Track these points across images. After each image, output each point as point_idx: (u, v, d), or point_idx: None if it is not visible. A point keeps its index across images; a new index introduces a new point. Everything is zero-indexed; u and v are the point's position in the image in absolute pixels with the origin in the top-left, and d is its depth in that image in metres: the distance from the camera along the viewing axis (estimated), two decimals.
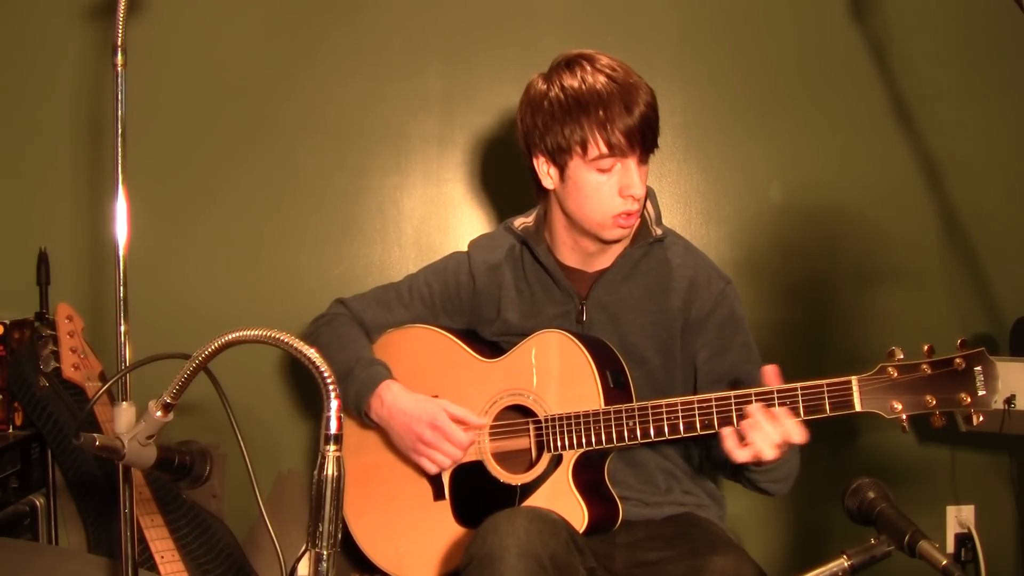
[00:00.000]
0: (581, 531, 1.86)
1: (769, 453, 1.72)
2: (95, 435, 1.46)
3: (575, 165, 1.94)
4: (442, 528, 2.02)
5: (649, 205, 2.07)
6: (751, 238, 2.79)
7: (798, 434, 1.73)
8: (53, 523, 2.44)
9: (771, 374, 1.78)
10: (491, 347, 2.09)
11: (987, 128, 2.82)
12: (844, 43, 2.77)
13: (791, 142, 2.79)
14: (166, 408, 1.47)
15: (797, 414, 1.74)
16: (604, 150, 1.91)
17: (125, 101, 1.91)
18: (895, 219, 2.80)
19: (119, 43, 1.90)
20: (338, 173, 2.70)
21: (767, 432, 1.72)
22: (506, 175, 2.71)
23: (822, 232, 2.79)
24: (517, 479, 1.97)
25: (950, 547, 2.80)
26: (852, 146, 2.80)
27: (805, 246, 2.80)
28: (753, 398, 1.76)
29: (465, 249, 2.20)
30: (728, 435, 1.76)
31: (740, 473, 1.93)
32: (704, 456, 2.10)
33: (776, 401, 1.75)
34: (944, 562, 1.37)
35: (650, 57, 2.72)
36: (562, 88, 1.94)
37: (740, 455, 1.75)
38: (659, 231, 2.05)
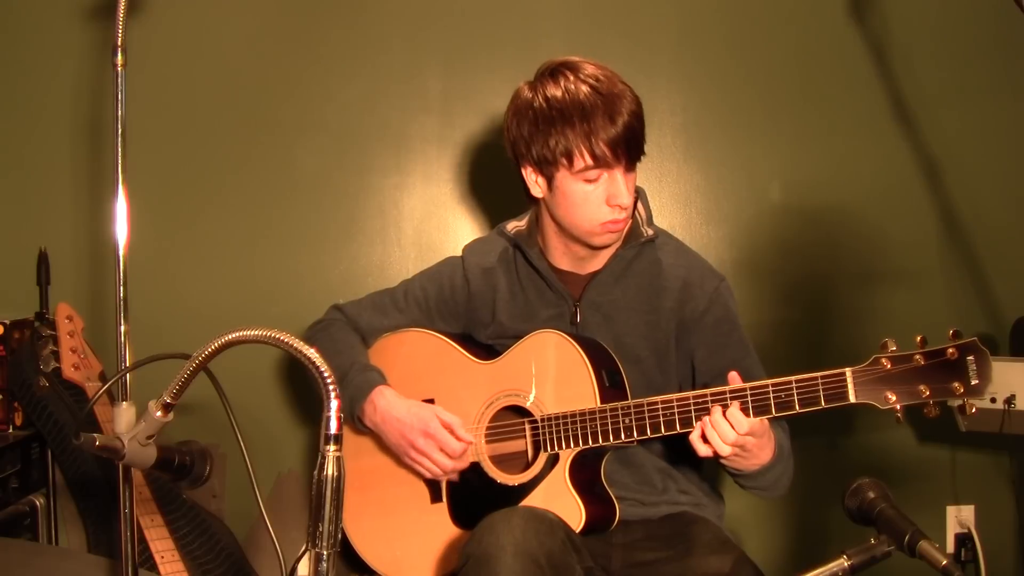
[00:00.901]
0: (578, 530, 1.86)
1: (724, 449, 1.75)
2: (95, 435, 1.46)
3: (561, 176, 1.94)
4: (439, 530, 2.02)
5: (640, 206, 2.07)
6: (751, 238, 2.79)
7: (742, 426, 1.74)
8: (53, 523, 2.44)
9: (735, 380, 1.79)
10: (486, 350, 2.10)
11: (987, 128, 2.82)
12: (844, 43, 2.77)
13: (791, 142, 2.79)
14: (166, 408, 1.47)
15: (793, 408, 1.74)
16: (589, 162, 1.90)
17: (125, 101, 1.91)
18: (895, 219, 2.80)
19: (119, 43, 1.90)
20: (338, 173, 2.70)
21: (721, 430, 1.75)
22: (506, 175, 2.69)
23: (822, 232, 2.80)
24: (514, 479, 1.97)
25: (950, 547, 2.80)
26: (852, 146, 2.80)
27: (805, 246, 2.80)
28: (748, 393, 1.76)
29: (452, 255, 2.21)
30: (694, 437, 1.79)
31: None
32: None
33: (771, 396, 1.75)
34: (944, 562, 1.38)
35: (650, 57, 2.73)
36: (545, 98, 1.93)
37: (701, 450, 1.79)
38: (650, 231, 2.06)
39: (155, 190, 2.57)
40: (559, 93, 1.92)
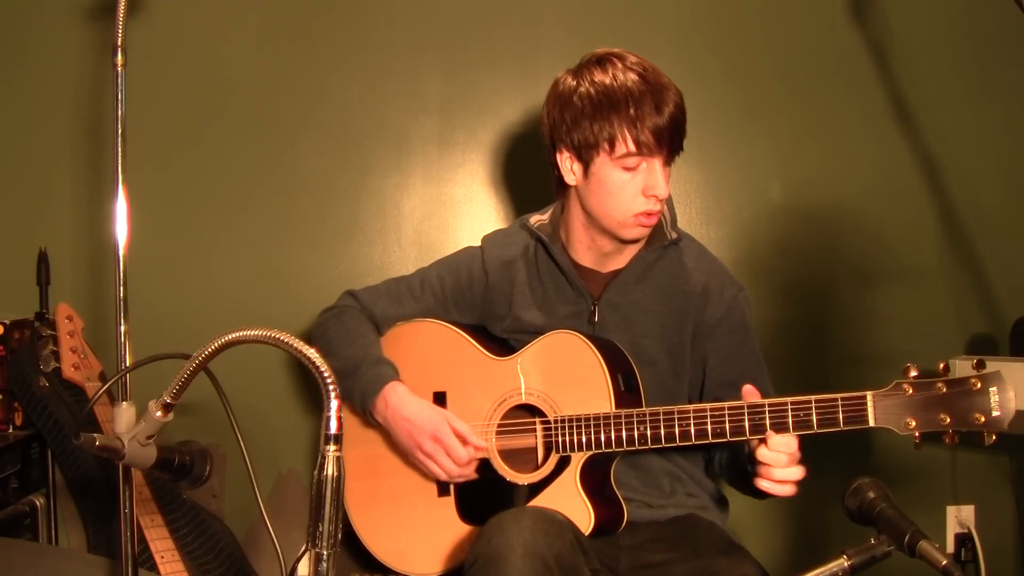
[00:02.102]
0: (587, 533, 1.86)
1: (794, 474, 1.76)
2: (95, 435, 1.46)
3: (601, 162, 1.94)
4: (446, 524, 2.02)
5: (665, 208, 2.06)
6: (751, 238, 2.78)
7: (791, 446, 1.75)
8: (53, 523, 2.44)
9: (750, 393, 1.79)
10: (501, 344, 2.09)
11: (987, 128, 2.82)
12: (844, 43, 2.77)
13: (791, 142, 2.79)
14: (166, 408, 1.47)
15: (811, 428, 1.74)
16: (632, 148, 1.91)
17: (125, 101, 1.91)
18: (895, 219, 2.80)
19: (119, 43, 1.90)
20: (338, 173, 2.70)
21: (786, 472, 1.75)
22: (506, 175, 2.72)
23: (822, 231, 2.79)
24: (524, 478, 1.96)
25: (950, 547, 2.80)
26: (852, 146, 2.80)
27: (805, 246, 2.79)
28: (767, 410, 1.75)
29: (470, 245, 2.20)
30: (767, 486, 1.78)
31: (748, 482, 1.92)
32: (708, 463, 2.09)
33: (790, 414, 1.74)
34: (944, 562, 1.38)
35: (650, 57, 2.69)
36: (592, 83, 1.93)
37: (780, 491, 1.78)
38: (675, 234, 2.06)
39: (155, 190, 2.57)
40: (607, 80, 1.92)
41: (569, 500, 1.90)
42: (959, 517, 2.81)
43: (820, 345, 2.79)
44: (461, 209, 2.73)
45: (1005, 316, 2.72)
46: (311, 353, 1.27)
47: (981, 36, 2.81)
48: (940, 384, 1.66)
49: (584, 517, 1.87)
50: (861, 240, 2.80)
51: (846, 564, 1.43)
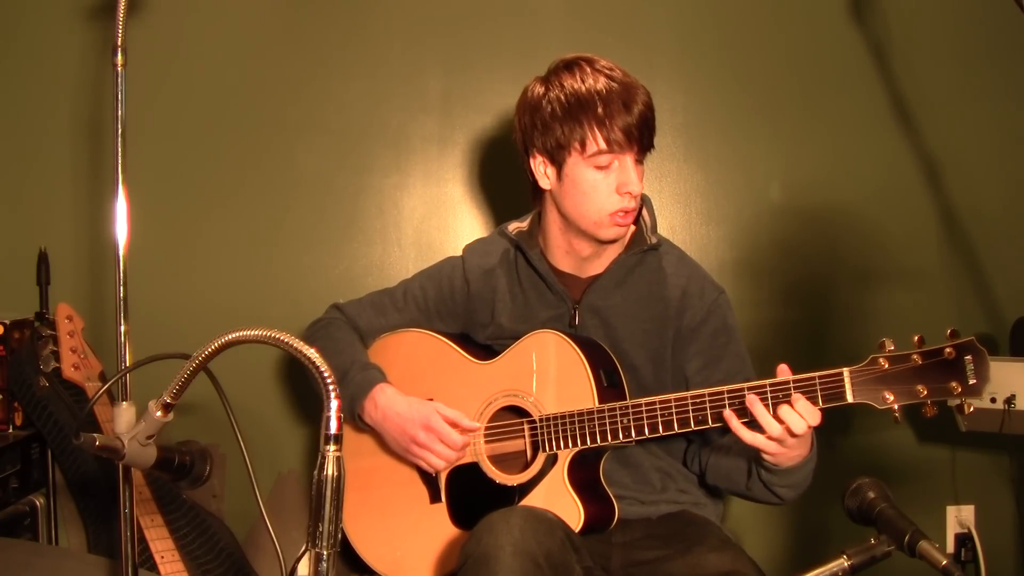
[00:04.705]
0: (577, 530, 1.86)
1: (799, 426, 1.71)
2: (95, 435, 1.46)
3: (573, 163, 1.95)
4: (439, 530, 2.02)
5: (645, 213, 2.08)
6: (751, 238, 2.79)
7: (813, 416, 1.72)
8: (53, 523, 2.44)
9: (784, 373, 1.77)
10: (484, 349, 2.10)
11: (987, 128, 2.82)
12: (844, 43, 2.77)
13: (791, 142, 2.79)
14: (166, 408, 1.47)
15: (816, 403, 1.73)
16: (603, 146, 1.92)
17: (125, 101, 1.91)
18: (895, 219, 2.80)
19: (119, 43, 1.90)
20: (338, 173, 2.70)
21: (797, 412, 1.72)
22: (506, 175, 2.71)
23: (822, 232, 2.80)
24: (513, 480, 1.97)
25: (950, 547, 2.80)
26: (852, 146, 2.80)
27: (805, 246, 2.80)
28: (746, 392, 1.76)
29: (461, 252, 2.21)
30: (736, 425, 1.76)
31: (752, 477, 1.92)
32: (708, 475, 2.07)
33: (769, 395, 1.75)
34: (944, 562, 1.38)
35: (650, 57, 2.73)
36: (562, 88, 1.95)
37: (747, 437, 1.75)
38: (654, 239, 2.06)
39: (155, 190, 2.57)
40: (576, 83, 1.94)
41: (558, 498, 1.90)
42: (959, 517, 2.82)
43: (820, 345, 2.79)
44: (461, 209, 2.74)
45: (1005, 316, 2.72)
46: (311, 353, 1.27)
47: (981, 36, 2.81)
48: (915, 356, 1.67)
49: (574, 514, 1.88)
50: (861, 240, 2.80)
51: (846, 564, 1.43)
